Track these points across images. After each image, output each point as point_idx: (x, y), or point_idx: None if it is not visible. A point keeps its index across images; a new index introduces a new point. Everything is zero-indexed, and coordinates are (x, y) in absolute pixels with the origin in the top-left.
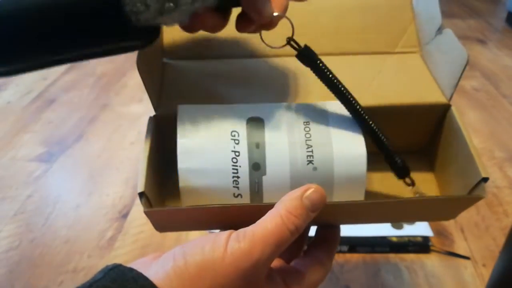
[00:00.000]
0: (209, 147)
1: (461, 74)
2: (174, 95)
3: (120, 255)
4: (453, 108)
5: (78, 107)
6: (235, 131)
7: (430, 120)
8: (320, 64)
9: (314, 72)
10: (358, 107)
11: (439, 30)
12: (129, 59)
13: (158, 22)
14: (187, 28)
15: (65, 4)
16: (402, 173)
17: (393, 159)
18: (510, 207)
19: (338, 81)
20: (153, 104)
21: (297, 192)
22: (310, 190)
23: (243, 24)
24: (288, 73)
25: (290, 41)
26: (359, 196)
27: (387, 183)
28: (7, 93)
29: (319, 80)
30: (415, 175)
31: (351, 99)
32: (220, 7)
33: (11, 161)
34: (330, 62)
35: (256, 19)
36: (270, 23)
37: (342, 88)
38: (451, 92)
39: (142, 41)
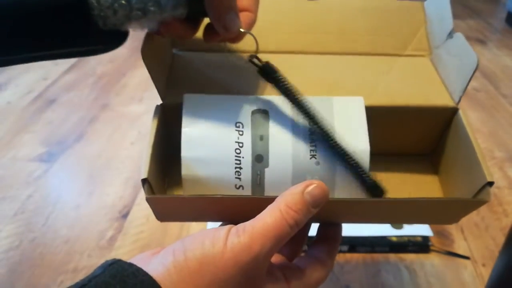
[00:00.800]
0: (213, 136)
1: (471, 78)
2: (182, 85)
3: (120, 255)
4: (460, 112)
5: (78, 107)
6: (239, 122)
7: (437, 123)
8: (281, 78)
9: (276, 88)
10: (320, 123)
11: (450, 34)
12: (129, 59)
13: (126, 28)
14: (155, 33)
15: (33, 5)
16: (376, 192)
17: (362, 178)
18: (510, 207)
19: (300, 96)
20: (160, 94)
21: (298, 187)
22: (312, 186)
23: (210, 35)
24: (296, 69)
25: (252, 58)
26: (361, 193)
27: (390, 185)
28: (7, 93)
29: (323, 75)
30: (419, 178)
31: (314, 116)
32: (189, 17)
33: (11, 161)
34: (336, 61)
35: (223, 34)
36: (235, 38)
37: (304, 103)
38: (460, 95)
39: (109, 45)
